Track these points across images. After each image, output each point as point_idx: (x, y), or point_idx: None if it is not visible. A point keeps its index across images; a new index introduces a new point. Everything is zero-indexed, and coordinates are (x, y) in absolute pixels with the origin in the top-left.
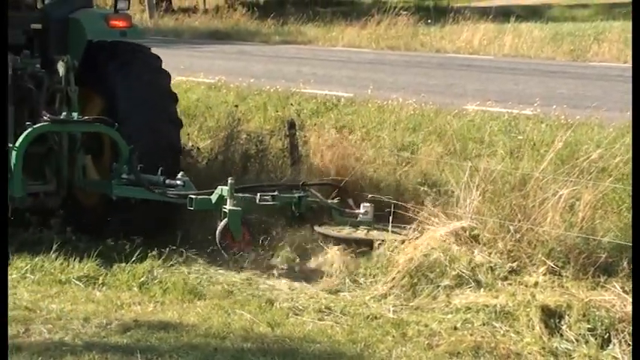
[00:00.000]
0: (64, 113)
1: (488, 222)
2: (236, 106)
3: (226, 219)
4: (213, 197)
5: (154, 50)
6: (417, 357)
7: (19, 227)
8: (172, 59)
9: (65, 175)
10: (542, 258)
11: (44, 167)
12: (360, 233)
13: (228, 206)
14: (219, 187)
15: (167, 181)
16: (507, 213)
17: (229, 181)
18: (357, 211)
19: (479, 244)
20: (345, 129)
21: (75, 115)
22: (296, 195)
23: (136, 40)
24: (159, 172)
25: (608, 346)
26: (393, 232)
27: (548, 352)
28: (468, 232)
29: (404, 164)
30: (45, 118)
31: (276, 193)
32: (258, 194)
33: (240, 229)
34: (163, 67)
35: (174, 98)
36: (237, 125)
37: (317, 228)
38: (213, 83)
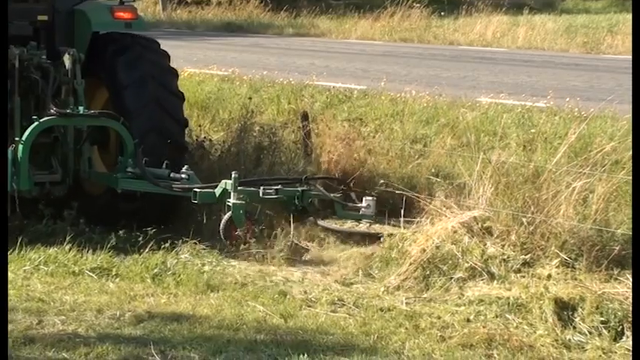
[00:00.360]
0: (71, 107)
1: (501, 214)
2: (250, 98)
3: (230, 212)
4: (217, 191)
5: (167, 42)
6: (430, 349)
7: (33, 219)
8: (186, 52)
9: (71, 165)
10: (556, 250)
11: (50, 157)
12: (363, 227)
13: (231, 200)
14: (224, 180)
15: (172, 175)
16: (520, 205)
17: (233, 175)
18: (359, 205)
19: (491, 236)
20: (358, 121)
21: (81, 108)
22: (299, 189)
23: (141, 31)
24: (164, 166)
25: (621, 338)
26: (394, 225)
27: (561, 345)
28: (480, 224)
29: (417, 156)
30: (52, 111)
31: (279, 186)
32: (262, 188)
33: (244, 222)
34: (172, 64)
35: (180, 97)
36: (251, 117)
37: (320, 222)
38: (227, 75)
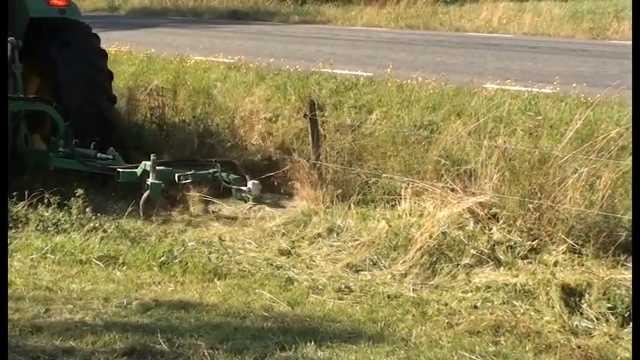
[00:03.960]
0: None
1: (508, 200)
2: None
3: (148, 190)
4: (138, 171)
5: (174, 30)
6: (437, 336)
7: (40, 207)
8: (192, 39)
9: (11, 142)
10: (562, 236)
11: None
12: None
13: (150, 179)
14: (144, 162)
15: (98, 155)
16: (527, 191)
17: (152, 157)
18: (243, 187)
19: (498, 222)
20: (365, 108)
21: (18, 93)
22: (211, 170)
23: (75, 17)
24: (91, 146)
25: (628, 324)
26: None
27: (568, 331)
28: (486, 210)
29: (423, 143)
30: None
31: (192, 171)
32: (177, 173)
33: (161, 199)
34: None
35: (109, 75)
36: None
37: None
38: (233, 63)
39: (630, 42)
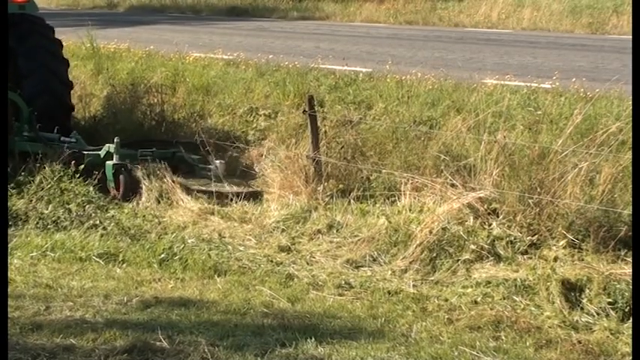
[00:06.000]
0: None
1: (508, 195)
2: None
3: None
4: (102, 152)
5: (173, 27)
6: (438, 331)
7: (40, 204)
8: (191, 36)
9: None
10: (562, 231)
11: None
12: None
13: (113, 160)
14: (107, 144)
15: (62, 138)
16: (527, 186)
17: (115, 140)
18: (209, 166)
19: (497, 217)
20: (364, 104)
21: None
22: (171, 150)
23: (33, 13)
24: (55, 130)
25: (628, 319)
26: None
27: (569, 326)
28: (486, 206)
29: (422, 138)
30: None
31: (154, 149)
32: (139, 150)
33: (113, 180)
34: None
35: (65, 63)
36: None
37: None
38: (232, 60)
39: (629, 37)
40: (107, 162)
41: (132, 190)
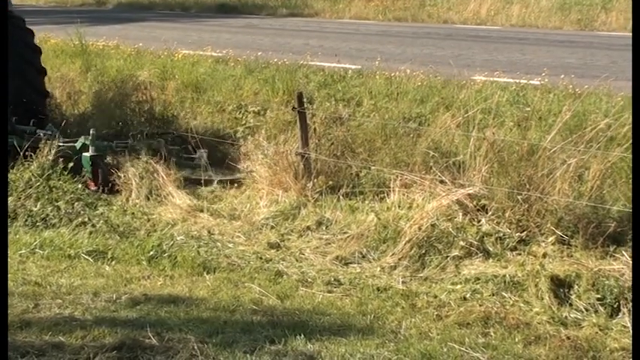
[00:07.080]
0: None
1: (497, 192)
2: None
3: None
4: (78, 144)
5: (162, 25)
6: (427, 328)
7: (28, 202)
8: (180, 33)
9: None
10: (551, 227)
11: None
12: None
13: (89, 152)
14: (83, 136)
15: (38, 131)
16: (516, 183)
17: (91, 132)
18: (193, 155)
19: (487, 213)
20: (353, 100)
21: None
22: (151, 141)
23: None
24: (31, 123)
25: (617, 315)
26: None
27: (558, 322)
28: (475, 202)
29: (412, 135)
30: None
31: (128, 141)
32: (115, 142)
33: (91, 170)
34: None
35: (37, 51)
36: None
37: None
38: (221, 57)
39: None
40: (84, 154)
41: (108, 181)
